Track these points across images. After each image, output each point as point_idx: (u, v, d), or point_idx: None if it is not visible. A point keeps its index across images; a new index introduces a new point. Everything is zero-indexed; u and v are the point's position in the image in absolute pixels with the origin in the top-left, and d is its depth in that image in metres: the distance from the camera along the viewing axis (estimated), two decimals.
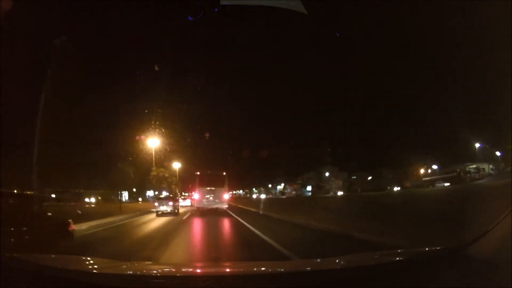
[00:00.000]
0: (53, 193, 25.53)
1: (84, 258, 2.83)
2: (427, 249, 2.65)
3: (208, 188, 21.32)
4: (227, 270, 2.94)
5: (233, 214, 19.47)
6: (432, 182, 26.40)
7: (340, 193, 40.82)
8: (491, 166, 28.54)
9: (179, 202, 26.70)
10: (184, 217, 17.87)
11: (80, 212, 12.95)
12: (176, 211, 21.26)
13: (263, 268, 2.74)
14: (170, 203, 21.17)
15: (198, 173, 22.85)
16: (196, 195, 23.04)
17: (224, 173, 22.78)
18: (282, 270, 2.65)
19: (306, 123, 49.79)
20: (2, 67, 12.77)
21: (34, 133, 15.89)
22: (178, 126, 33.46)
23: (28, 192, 7.91)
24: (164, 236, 10.12)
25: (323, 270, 2.42)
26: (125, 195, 44.36)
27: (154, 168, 35.93)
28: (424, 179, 31.57)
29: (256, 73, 45.47)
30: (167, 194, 35.88)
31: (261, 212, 21.02)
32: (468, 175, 26.45)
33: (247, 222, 13.84)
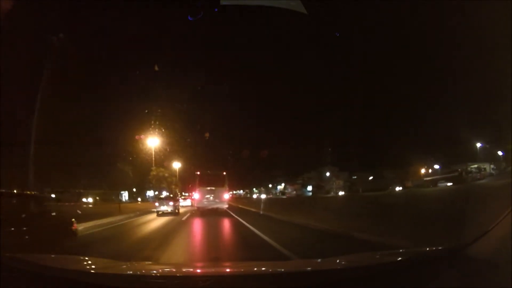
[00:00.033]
0: (52, 193, 25.50)
1: (84, 258, 2.83)
2: (427, 249, 2.66)
3: (208, 188, 21.31)
4: (227, 270, 2.94)
5: (233, 214, 19.47)
6: (434, 182, 26.31)
7: (341, 193, 40.79)
8: (492, 166, 28.51)
9: (179, 202, 26.71)
10: (185, 217, 17.86)
11: (80, 212, 12.92)
12: (176, 211, 21.26)
13: (263, 268, 2.74)
14: (171, 203, 21.22)
15: (198, 173, 22.84)
16: (196, 195, 23.02)
17: (224, 173, 22.78)
18: (282, 270, 2.65)
19: (307, 123, 49.74)
20: (2, 66, 12.77)
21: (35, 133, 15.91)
22: (178, 126, 33.47)
23: (30, 192, 7.96)
24: (164, 236, 10.11)
25: (323, 270, 2.42)
26: (125, 195, 44.36)
27: (153, 168, 35.95)
28: (425, 179, 31.49)
29: (256, 73, 45.38)
30: (167, 194, 35.89)
31: (261, 212, 21.02)
32: (470, 175, 26.41)
33: (247, 222, 13.84)
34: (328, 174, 51.81)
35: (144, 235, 10.94)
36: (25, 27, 13.86)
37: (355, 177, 46.35)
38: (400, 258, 2.62)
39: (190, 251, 7.82)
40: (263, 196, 54.99)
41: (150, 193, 45.92)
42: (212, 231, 11.73)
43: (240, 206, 30.20)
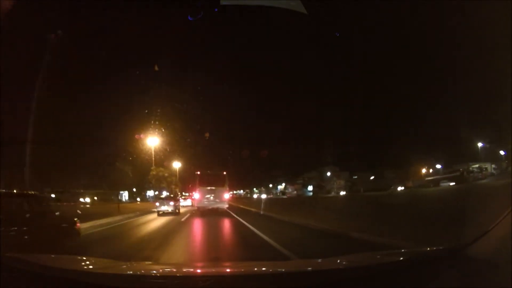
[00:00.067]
0: (52, 193, 25.49)
1: (84, 258, 2.83)
2: (427, 249, 2.66)
3: (209, 188, 21.30)
4: (227, 270, 2.94)
5: (233, 214, 19.47)
6: (436, 182, 26.27)
7: (342, 193, 40.78)
8: (493, 165, 28.47)
9: (179, 202, 26.76)
10: (185, 217, 17.86)
11: (80, 212, 12.89)
12: (177, 211, 21.38)
13: (263, 268, 2.74)
14: (171, 203, 21.36)
15: (198, 172, 22.82)
16: (196, 195, 23.02)
17: (225, 173, 22.77)
18: (283, 270, 2.65)
19: (307, 122, 49.81)
20: (2, 66, 12.77)
21: (33, 133, 15.90)
22: (178, 126, 33.46)
23: (32, 192, 8.05)
24: (164, 236, 10.10)
25: (323, 270, 2.42)
26: (125, 195, 44.34)
27: (153, 167, 35.92)
28: (427, 178, 31.45)
29: (256, 73, 45.54)
30: (168, 194, 35.89)
31: (261, 212, 21.02)
32: (471, 174, 26.37)
33: (247, 222, 13.85)
34: (329, 174, 51.82)
35: (144, 235, 10.90)
36: (24, 26, 13.85)
37: (356, 177, 46.37)
38: (400, 258, 2.62)
39: (190, 251, 7.82)
40: (264, 196, 54.99)
41: (150, 193, 45.92)
42: (212, 231, 11.73)
43: (241, 206, 30.20)
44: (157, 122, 30.43)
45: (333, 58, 34.35)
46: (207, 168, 28.37)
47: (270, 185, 68.03)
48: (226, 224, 14.46)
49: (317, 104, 43.65)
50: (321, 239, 9.29)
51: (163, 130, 31.86)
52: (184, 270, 2.76)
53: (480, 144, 31.12)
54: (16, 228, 5.38)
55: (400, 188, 30.27)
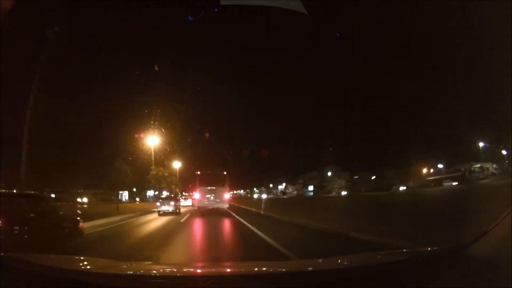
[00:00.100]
0: (52, 193, 25.44)
1: (84, 258, 2.83)
2: (427, 249, 2.66)
3: (209, 188, 21.29)
4: (228, 270, 2.94)
5: (234, 214, 19.47)
6: (438, 182, 26.20)
7: (344, 193, 40.75)
8: (494, 165, 28.43)
9: (180, 202, 26.80)
10: (185, 217, 17.85)
11: (80, 212, 12.86)
12: (177, 210, 21.48)
13: (263, 268, 2.73)
14: (172, 203, 21.54)
15: (198, 172, 22.80)
16: (196, 195, 23.02)
17: (225, 173, 22.75)
18: (283, 270, 2.65)
19: (307, 122, 49.84)
20: (2, 66, 12.77)
21: (29, 132, 15.89)
22: (178, 126, 33.51)
23: (35, 192, 8.21)
24: (164, 236, 10.07)
25: (323, 270, 2.42)
26: (125, 195, 44.29)
27: (153, 167, 35.88)
28: (428, 178, 31.37)
29: (256, 73, 45.61)
30: (168, 194, 35.88)
31: (262, 212, 21.01)
32: (473, 174, 26.31)
33: (247, 222, 13.85)
34: (329, 174, 51.79)
35: (144, 236, 10.87)
36: (24, 25, 13.86)
37: (356, 177, 46.32)
38: (400, 258, 2.61)
39: (190, 251, 7.82)
40: (264, 196, 54.96)
41: (150, 193, 45.92)
42: (213, 231, 11.72)
43: (241, 206, 30.19)
44: (157, 122, 30.51)
45: (333, 58, 34.40)
46: (207, 168, 28.40)
47: (271, 185, 68.02)
48: (227, 224, 14.45)
49: (317, 104, 43.73)
50: (321, 239, 9.29)
51: (163, 130, 31.95)
52: (184, 270, 2.76)
53: (481, 144, 31.11)
54: (21, 227, 5.52)
55: (402, 188, 30.13)
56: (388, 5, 13.33)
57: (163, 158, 37.04)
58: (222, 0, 8.57)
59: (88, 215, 13.96)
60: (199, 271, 2.83)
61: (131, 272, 2.43)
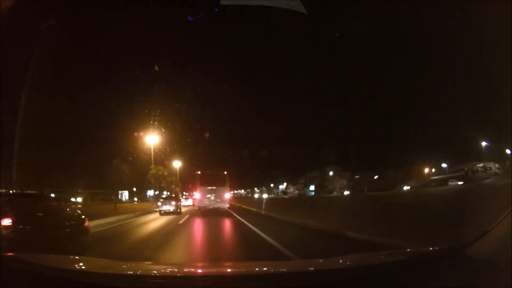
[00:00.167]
0: (52, 193, 25.31)
1: (84, 258, 2.84)
2: (427, 249, 2.66)
3: (209, 188, 21.27)
4: (228, 270, 2.94)
5: (234, 214, 19.46)
6: (441, 181, 26.12)
7: (346, 192, 40.71)
8: (497, 165, 28.39)
9: (181, 201, 26.85)
10: (186, 217, 17.83)
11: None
12: (178, 210, 21.60)
13: (264, 268, 2.74)
14: (173, 202, 21.75)
15: (199, 172, 22.78)
16: (197, 195, 23.01)
17: (225, 173, 22.73)
18: (284, 270, 2.66)
19: (307, 122, 49.83)
20: (2, 66, 12.77)
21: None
22: (178, 126, 33.52)
23: (38, 192, 8.39)
24: (164, 236, 10.04)
25: (324, 270, 2.43)
26: (125, 195, 44.23)
27: (152, 166, 35.82)
28: (431, 178, 31.30)
29: (256, 73, 45.64)
30: (168, 193, 35.86)
31: (263, 212, 21.00)
32: (476, 174, 26.26)
33: (248, 222, 13.85)
34: (331, 173, 51.78)
35: (144, 236, 10.83)
36: (24, 25, 13.84)
37: (358, 176, 46.30)
38: (400, 258, 2.61)
39: (190, 251, 7.81)
40: (265, 195, 54.94)
41: (150, 192, 45.91)
42: (213, 231, 11.71)
43: (242, 206, 30.20)
44: (156, 122, 30.51)
45: (333, 58, 34.40)
46: (207, 168, 28.41)
47: (272, 185, 68.03)
48: (227, 223, 14.44)
49: (317, 104, 43.74)
50: (322, 239, 9.29)
51: (163, 130, 31.96)
52: (185, 270, 2.76)
53: (484, 144, 31.08)
54: (30, 226, 5.65)
55: (406, 188, 29.98)
56: (388, 5, 13.33)
57: (163, 158, 37.08)
58: (222, 0, 8.58)
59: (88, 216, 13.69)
60: (199, 271, 2.83)
61: (131, 272, 2.43)
